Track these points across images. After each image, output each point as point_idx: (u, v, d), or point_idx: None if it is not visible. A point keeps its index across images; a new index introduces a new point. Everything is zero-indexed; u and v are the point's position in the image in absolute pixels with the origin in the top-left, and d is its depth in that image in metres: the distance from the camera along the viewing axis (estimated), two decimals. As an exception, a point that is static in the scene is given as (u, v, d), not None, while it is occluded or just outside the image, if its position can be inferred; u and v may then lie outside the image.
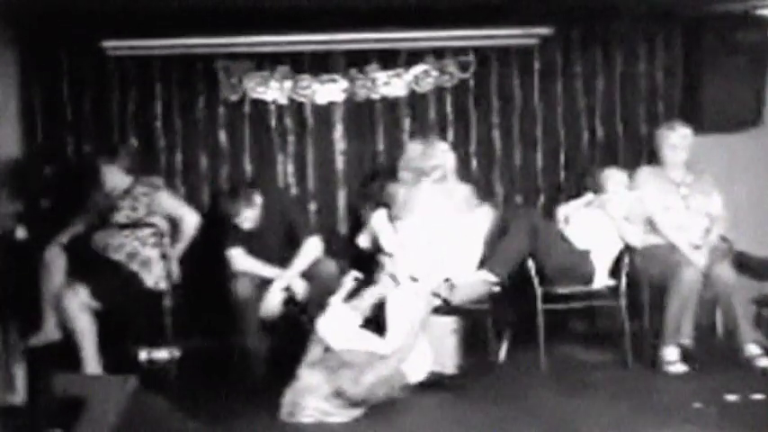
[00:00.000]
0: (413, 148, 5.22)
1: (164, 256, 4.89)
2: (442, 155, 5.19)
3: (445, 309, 4.82)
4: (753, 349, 4.83)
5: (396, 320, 4.60)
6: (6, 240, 5.06)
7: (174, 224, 5.05)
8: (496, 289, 4.98)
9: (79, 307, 4.66)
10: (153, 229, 4.90)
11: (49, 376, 3.58)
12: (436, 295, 4.79)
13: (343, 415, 4.19)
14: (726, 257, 5.07)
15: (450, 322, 4.79)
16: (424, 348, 4.58)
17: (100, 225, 4.98)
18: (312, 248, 5.06)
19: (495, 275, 4.93)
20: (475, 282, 4.96)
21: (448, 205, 5.13)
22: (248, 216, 5.02)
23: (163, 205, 4.98)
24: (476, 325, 5.05)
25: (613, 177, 5.26)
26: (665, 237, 5.10)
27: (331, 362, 4.31)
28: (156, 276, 4.90)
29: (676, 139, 5.22)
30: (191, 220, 5.03)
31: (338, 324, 4.52)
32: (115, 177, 5.01)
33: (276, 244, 5.09)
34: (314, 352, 4.40)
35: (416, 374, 4.53)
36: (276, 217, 5.13)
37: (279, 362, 4.78)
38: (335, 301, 4.64)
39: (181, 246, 5.03)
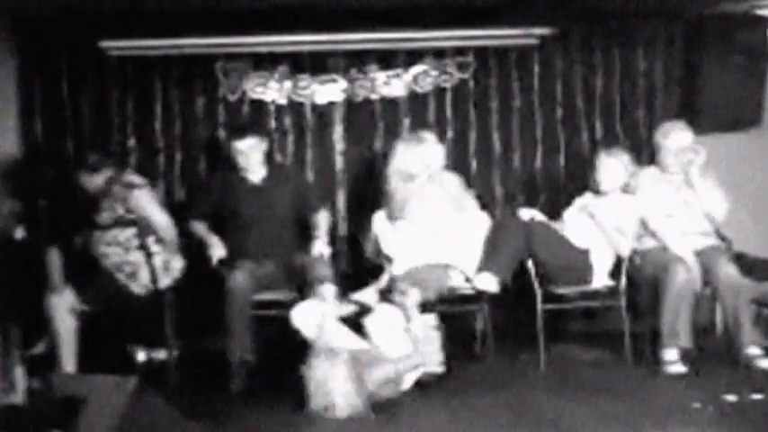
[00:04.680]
0: (400, 151, 5.23)
1: (149, 256, 4.84)
2: (428, 153, 5.20)
3: (429, 307, 4.81)
4: (753, 350, 4.83)
5: (379, 335, 4.59)
6: (5, 241, 5.05)
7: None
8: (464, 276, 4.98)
9: (64, 311, 4.68)
10: (134, 229, 4.84)
11: (49, 376, 3.58)
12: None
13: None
14: (727, 257, 5.07)
15: (431, 319, 4.78)
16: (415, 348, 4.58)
17: (90, 228, 4.96)
18: (326, 220, 5.24)
19: (496, 277, 4.93)
20: (440, 276, 4.95)
21: (443, 200, 5.13)
22: (250, 149, 5.09)
23: (137, 206, 4.88)
24: (462, 322, 5.06)
25: (608, 167, 5.22)
26: (659, 238, 5.10)
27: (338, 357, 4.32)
28: (143, 282, 4.86)
29: (670, 148, 5.20)
30: (163, 224, 4.90)
31: (312, 315, 4.52)
32: (87, 179, 4.98)
33: (281, 207, 5.18)
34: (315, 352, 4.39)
35: (412, 376, 4.53)
36: (288, 186, 5.24)
37: (273, 361, 4.80)
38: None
39: (167, 253, 4.94)
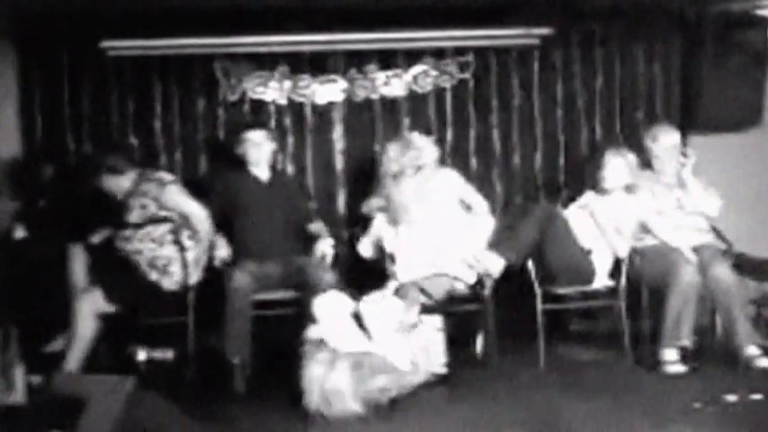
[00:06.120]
0: (390, 149, 5.25)
1: (182, 251, 4.84)
2: (415, 151, 5.22)
3: (432, 308, 4.81)
4: (752, 350, 4.83)
5: (378, 330, 4.58)
6: (5, 240, 5.05)
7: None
8: (466, 285, 4.99)
9: (89, 313, 4.65)
10: (169, 225, 4.85)
11: (49, 376, 3.58)
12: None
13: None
14: (723, 258, 5.07)
15: (436, 320, 4.77)
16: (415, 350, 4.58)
17: (118, 227, 4.94)
18: (323, 229, 5.26)
19: (504, 259, 4.91)
20: (447, 280, 4.96)
21: (444, 200, 5.13)
22: (263, 139, 5.14)
23: (171, 201, 4.87)
24: (462, 324, 5.07)
25: (613, 166, 5.23)
26: (660, 239, 5.10)
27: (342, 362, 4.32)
28: (175, 278, 4.85)
29: (661, 151, 5.22)
30: (199, 215, 4.89)
31: (332, 307, 4.51)
32: (111, 182, 4.98)
33: (285, 208, 5.20)
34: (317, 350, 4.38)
35: (416, 378, 4.53)
36: (289, 195, 5.27)
37: (274, 361, 4.79)
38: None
39: (199, 248, 4.92)
